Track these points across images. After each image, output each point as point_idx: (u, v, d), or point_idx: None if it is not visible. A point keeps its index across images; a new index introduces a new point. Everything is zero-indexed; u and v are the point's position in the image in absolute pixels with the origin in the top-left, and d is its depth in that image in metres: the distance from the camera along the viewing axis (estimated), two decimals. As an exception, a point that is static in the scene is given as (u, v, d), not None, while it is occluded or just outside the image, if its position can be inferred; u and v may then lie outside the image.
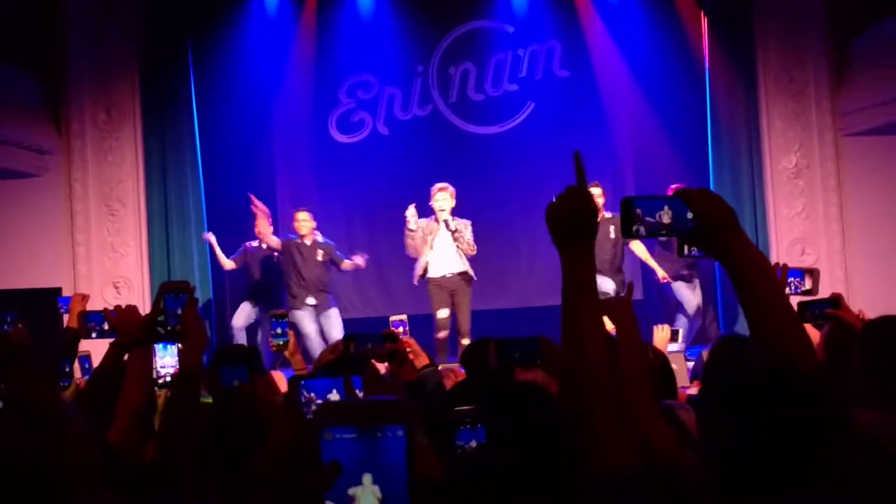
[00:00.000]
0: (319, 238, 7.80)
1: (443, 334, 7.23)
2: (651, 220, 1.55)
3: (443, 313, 7.28)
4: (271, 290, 8.02)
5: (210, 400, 2.57)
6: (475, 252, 7.33)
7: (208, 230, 8.41)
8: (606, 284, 7.34)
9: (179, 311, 2.22)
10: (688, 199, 1.52)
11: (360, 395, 1.51)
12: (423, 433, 1.49)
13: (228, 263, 7.91)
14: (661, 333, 4.65)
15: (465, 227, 7.31)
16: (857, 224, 8.14)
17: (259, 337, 7.97)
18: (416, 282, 7.45)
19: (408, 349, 3.31)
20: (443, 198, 7.27)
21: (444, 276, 7.30)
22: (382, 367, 3.10)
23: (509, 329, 8.02)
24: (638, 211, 1.55)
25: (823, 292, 3.35)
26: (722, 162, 8.43)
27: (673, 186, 7.48)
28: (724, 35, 8.46)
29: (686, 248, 1.82)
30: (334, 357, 2.75)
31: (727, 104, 8.44)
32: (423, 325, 7.86)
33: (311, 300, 7.67)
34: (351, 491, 1.05)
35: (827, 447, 1.27)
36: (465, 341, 7.21)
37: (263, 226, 7.84)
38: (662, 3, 8.86)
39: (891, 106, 7.71)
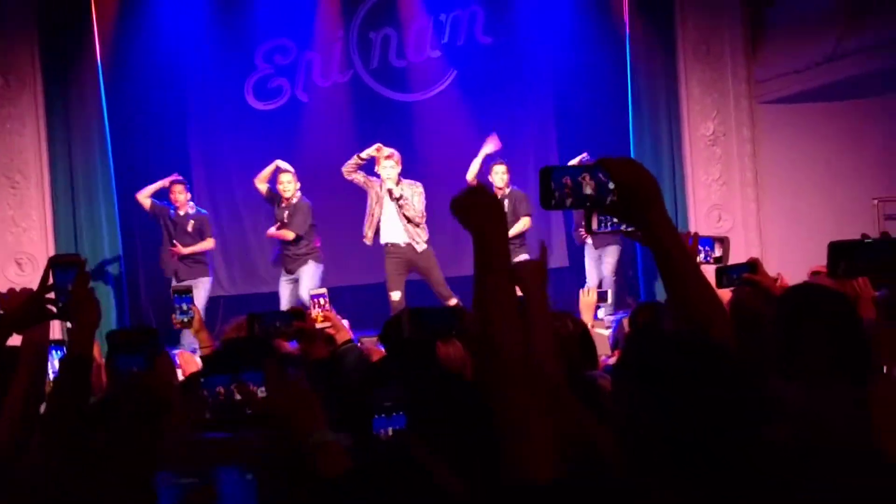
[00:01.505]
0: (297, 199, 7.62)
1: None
2: (571, 190, 1.47)
3: (395, 295, 7.08)
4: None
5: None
6: (424, 218, 7.19)
7: (117, 201, 8.03)
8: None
9: (70, 287, 2.06)
10: (609, 168, 1.45)
11: (261, 392, 1.39)
12: (326, 427, 1.39)
13: (148, 194, 7.66)
14: (586, 298, 4.57)
15: (412, 192, 7.14)
16: (772, 190, 8.35)
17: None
18: (368, 241, 7.24)
19: (328, 323, 3.20)
20: (389, 165, 7.08)
21: (394, 244, 7.17)
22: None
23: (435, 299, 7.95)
24: (557, 181, 1.47)
25: (739, 257, 3.37)
26: (642, 129, 8.50)
27: (583, 155, 7.49)
28: (644, 2, 8.49)
29: (596, 222, 1.76)
30: (236, 336, 2.60)
31: (647, 71, 8.50)
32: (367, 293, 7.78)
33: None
34: None
35: (745, 424, 1.23)
36: (453, 302, 6.96)
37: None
38: (583, -31, 8.84)
39: (803, 74, 7.89)
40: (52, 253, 7.71)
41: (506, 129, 9.08)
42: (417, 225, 7.18)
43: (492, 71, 9.09)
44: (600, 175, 1.48)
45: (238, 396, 1.40)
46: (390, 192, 7.07)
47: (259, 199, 7.99)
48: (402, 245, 7.17)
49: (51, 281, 2.11)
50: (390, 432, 1.61)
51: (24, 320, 2.09)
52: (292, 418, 1.37)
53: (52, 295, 2.10)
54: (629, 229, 1.80)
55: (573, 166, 1.50)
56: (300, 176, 7.69)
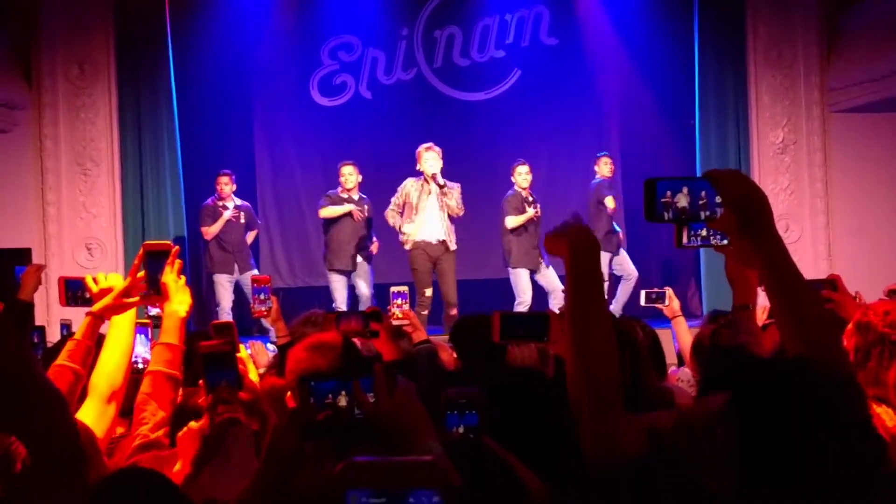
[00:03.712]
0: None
1: (425, 312, 7.16)
2: (676, 203, 1.45)
3: (429, 291, 7.23)
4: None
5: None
6: (462, 213, 7.27)
7: (184, 190, 8.20)
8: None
9: (160, 276, 2.09)
10: (718, 181, 1.42)
11: (371, 398, 1.40)
12: (436, 439, 1.39)
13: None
14: None
15: (452, 187, 7.26)
16: (842, 201, 8.13)
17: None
18: (408, 247, 7.32)
19: (406, 321, 3.20)
20: (432, 157, 7.19)
21: (426, 241, 7.24)
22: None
23: (492, 300, 7.93)
24: (662, 194, 1.45)
25: (807, 270, 3.26)
26: (708, 135, 8.35)
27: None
28: (715, 6, 8.34)
29: (686, 236, 1.74)
30: (312, 333, 2.60)
31: (716, 77, 8.34)
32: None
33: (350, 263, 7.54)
34: None
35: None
36: (453, 312, 7.12)
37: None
38: (653, -29, 8.71)
39: (880, 83, 7.65)
40: (119, 239, 7.92)
41: (568, 131, 9.02)
42: (454, 219, 7.26)
43: (556, 72, 9.03)
44: (706, 188, 1.46)
45: (344, 402, 1.40)
46: (434, 177, 7.13)
47: (320, 192, 8.07)
48: (434, 243, 7.25)
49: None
50: (461, 430, 1.61)
51: (114, 310, 2.13)
52: (403, 428, 1.36)
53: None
54: (721, 243, 1.76)
55: (677, 178, 1.47)
56: (362, 172, 7.74)
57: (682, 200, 1.46)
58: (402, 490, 0.87)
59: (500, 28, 9.07)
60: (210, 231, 7.66)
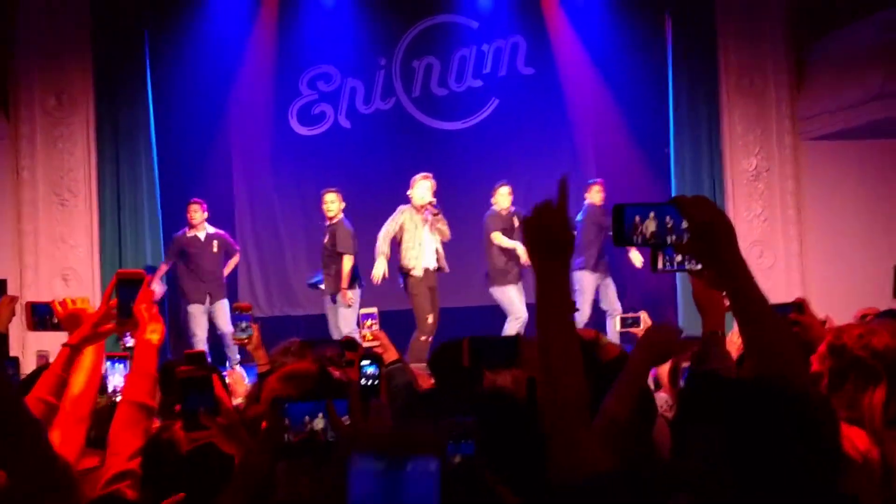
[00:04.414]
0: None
1: (423, 338, 7.17)
2: (644, 228, 1.49)
3: (431, 317, 7.25)
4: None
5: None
6: (449, 238, 7.38)
7: (162, 221, 8.18)
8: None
9: (132, 304, 2.10)
10: (683, 207, 1.46)
11: (346, 420, 1.42)
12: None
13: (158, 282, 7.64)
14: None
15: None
16: (815, 227, 8.25)
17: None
18: (417, 273, 7.29)
19: (377, 342, 3.22)
20: (425, 186, 7.29)
21: (426, 268, 7.30)
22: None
23: (472, 327, 7.94)
24: (630, 219, 1.48)
25: (780, 296, 3.31)
26: (683, 162, 8.47)
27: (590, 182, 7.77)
28: (687, 36, 8.50)
29: (661, 261, 1.77)
30: (292, 362, 2.61)
31: (689, 106, 8.49)
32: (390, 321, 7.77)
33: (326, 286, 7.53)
34: None
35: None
36: (430, 339, 7.14)
37: None
38: (627, 2, 8.87)
39: (850, 111, 7.81)
40: (96, 270, 7.86)
41: (545, 159, 9.12)
42: (444, 243, 7.36)
43: (533, 101, 9.14)
44: (673, 213, 1.50)
45: (321, 425, 1.42)
46: (431, 204, 7.22)
47: (298, 222, 8.09)
48: (431, 269, 7.33)
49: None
50: (458, 459, 1.62)
51: (89, 340, 2.13)
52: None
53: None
54: (696, 268, 1.80)
55: (646, 203, 1.51)
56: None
57: (650, 225, 1.50)
58: (402, 458, 0.88)
59: (478, 58, 9.19)
60: (162, 268, 7.70)
